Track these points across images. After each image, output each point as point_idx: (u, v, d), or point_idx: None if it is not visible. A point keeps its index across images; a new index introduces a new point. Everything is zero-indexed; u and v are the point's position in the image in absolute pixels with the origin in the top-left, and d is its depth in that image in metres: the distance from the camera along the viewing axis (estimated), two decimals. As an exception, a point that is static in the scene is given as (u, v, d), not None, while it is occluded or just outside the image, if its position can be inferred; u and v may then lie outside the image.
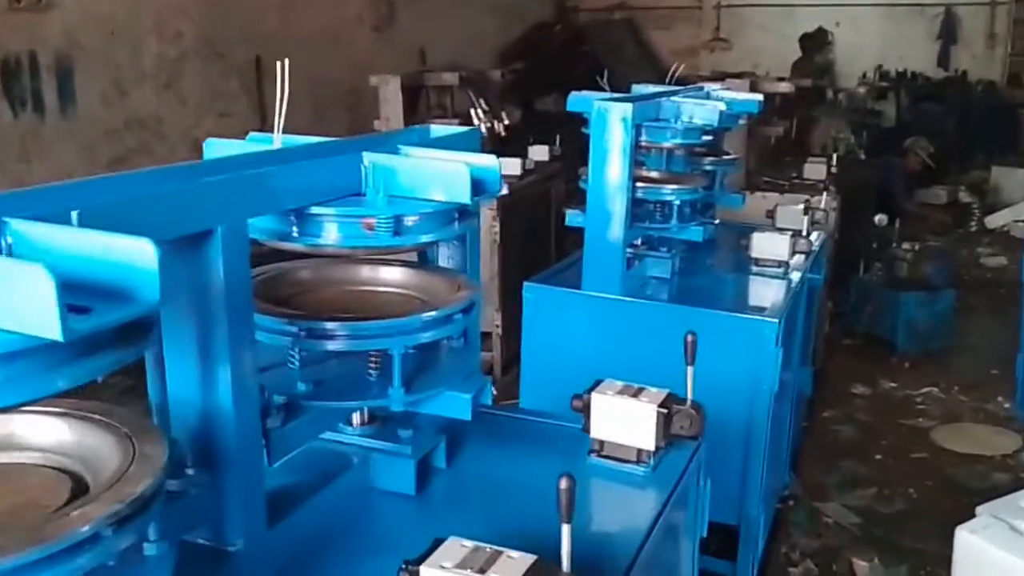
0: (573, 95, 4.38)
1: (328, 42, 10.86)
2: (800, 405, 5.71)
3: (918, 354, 7.86)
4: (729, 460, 3.96)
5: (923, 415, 6.76)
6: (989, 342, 8.29)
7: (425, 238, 2.08)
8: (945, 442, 6.29)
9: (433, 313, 2.04)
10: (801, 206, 5.27)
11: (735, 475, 3.97)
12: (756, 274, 4.70)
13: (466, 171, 2.03)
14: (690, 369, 2.44)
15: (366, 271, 2.32)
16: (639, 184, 4.21)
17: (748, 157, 7.39)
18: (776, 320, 3.88)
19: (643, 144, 4.31)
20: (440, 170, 2.08)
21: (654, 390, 2.43)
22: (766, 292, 4.48)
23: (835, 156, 8.47)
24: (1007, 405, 6.87)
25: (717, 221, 5.19)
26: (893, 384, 7.29)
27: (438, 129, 2.57)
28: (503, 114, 6.94)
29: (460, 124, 6.94)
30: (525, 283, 4.25)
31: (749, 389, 3.94)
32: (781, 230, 5.16)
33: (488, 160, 2.16)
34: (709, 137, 4.46)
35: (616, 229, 4.02)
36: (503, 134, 6.98)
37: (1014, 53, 17.47)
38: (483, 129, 6.79)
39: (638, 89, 5.05)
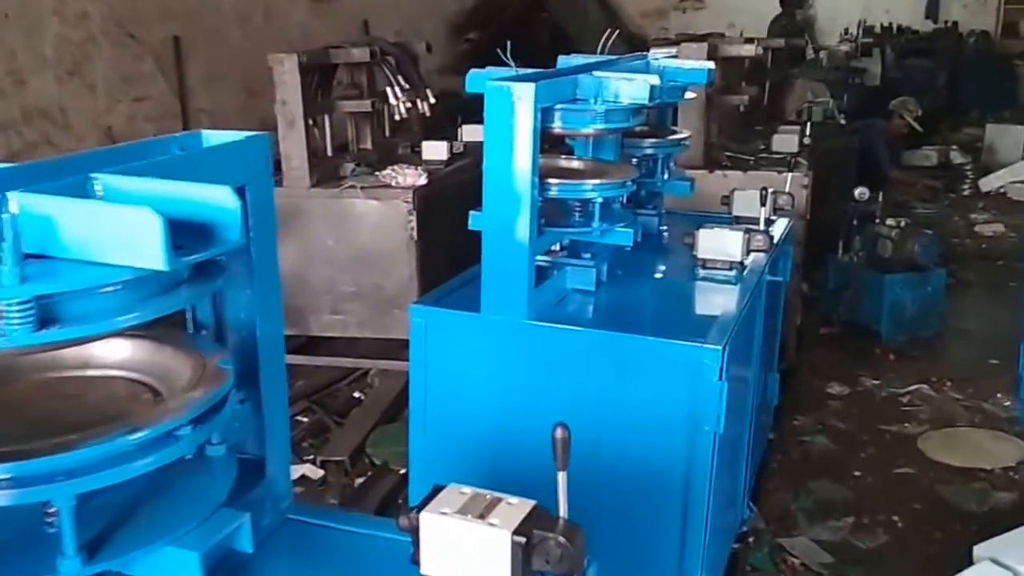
0: (472, 73, 3.68)
1: (258, 16, 10.10)
2: (764, 419, 5.05)
3: (904, 343, 7.23)
4: (663, 521, 3.31)
5: (910, 418, 6.09)
6: (986, 325, 7.66)
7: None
8: (936, 453, 5.62)
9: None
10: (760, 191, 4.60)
11: (671, 540, 3.30)
12: (704, 279, 4.09)
13: (156, 222, 1.40)
14: (562, 476, 1.68)
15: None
16: (551, 180, 3.51)
17: (709, 130, 6.69)
18: (718, 348, 3.20)
19: (557, 131, 3.60)
20: (116, 221, 1.44)
21: (514, 501, 1.68)
22: (713, 304, 3.86)
23: (809, 124, 7.73)
24: (1008, 403, 6.23)
25: (660, 213, 4.51)
26: (875, 381, 6.62)
27: (214, 135, 1.98)
28: (428, 92, 6.21)
29: (376, 104, 6.25)
30: (412, 305, 3.56)
31: (687, 432, 3.28)
32: (737, 220, 4.62)
33: (219, 195, 1.57)
34: (640, 118, 3.74)
35: (520, 236, 3.34)
36: (427, 114, 6.25)
37: (1008, 0, 16.69)
38: (402, 109, 6.07)
39: (566, 62, 4.35)
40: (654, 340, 3.32)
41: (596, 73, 3.63)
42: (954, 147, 13.55)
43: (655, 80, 3.71)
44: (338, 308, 6.00)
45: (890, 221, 7.41)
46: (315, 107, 6.11)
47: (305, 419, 5.74)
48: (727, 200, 4.86)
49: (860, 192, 7.49)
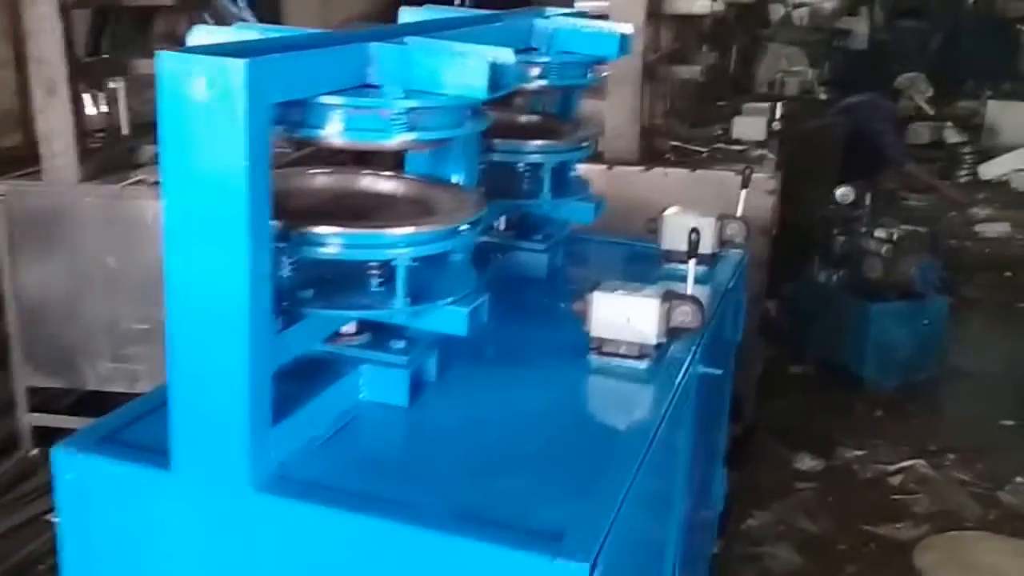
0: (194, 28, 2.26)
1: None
2: (701, 536, 3.72)
3: (894, 393, 5.99)
4: None
5: (903, 514, 4.77)
6: (994, 364, 6.41)
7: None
8: (937, 573, 4.21)
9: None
10: (699, 219, 3.34)
11: None
12: (598, 371, 2.73)
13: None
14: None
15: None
16: (315, 230, 2.11)
17: (649, 111, 5.26)
18: (584, 565, 1.76)
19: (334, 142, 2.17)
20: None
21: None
22: (605, 432, 2.53)
23: (782, 101, 6.30)
24: (1034, 492, 4.85)
25: (552, 246, 3.41)
26: (858, 452, 5.27)
27: None
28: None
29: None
30: (56, 449, 2.09)
31: None
32: (668, 256, 3.48)
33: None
34: (479, 119, 2.37)
35: (235, 334, 1.95)
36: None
37: (1015, -44, 15.30)
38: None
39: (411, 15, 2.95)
40: (462, 542, 1.88)
41: (385, 45, 2.16)
42: (948, 123, 12.15)
43: (507, 56, 2.26)
44: (122, 353, 4.48)
45: (880, 232, 6.05)
46: (98, 68, 4.60)
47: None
48: (653, 225, 3.52)
49: (843, 193, 6.10)
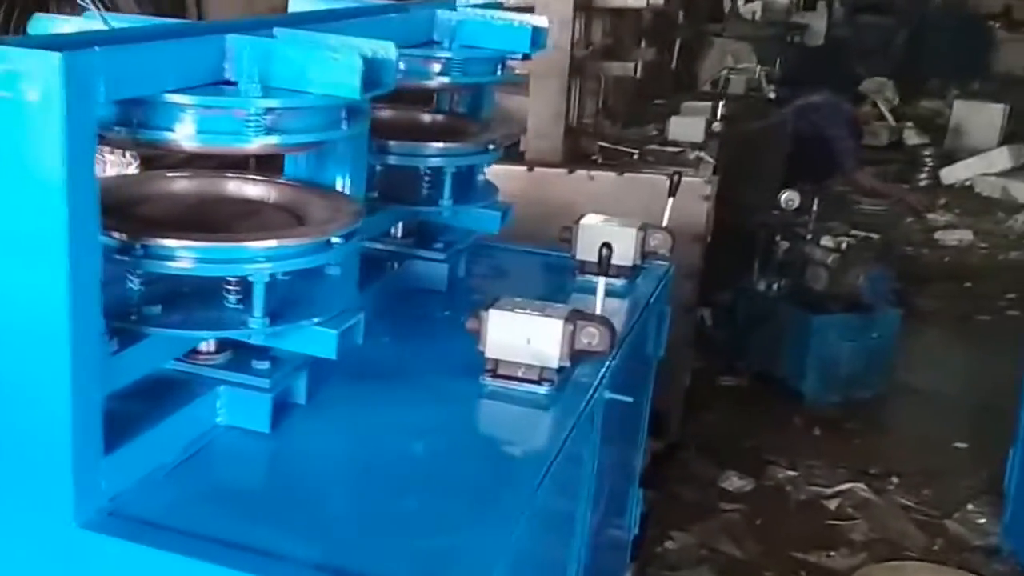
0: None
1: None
2: (616, 551, 3.72)
3: (835, 410, 5.93)
4: None
5: (838, 540, 4.70)
6: (948, 382, 6.32)
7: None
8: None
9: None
10: (618, 228, 3.33)
11: None
12: (492, 396, 2.60)
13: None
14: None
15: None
16: (157, 243, 1.99)
17: (578, 110, 5.16)
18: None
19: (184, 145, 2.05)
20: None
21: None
22: (498, 471, 2.35)
23: (724, 100, 6.22)
24: (982, 520, 4.75)
25: (452, 256, 3.26)
26: (791, 472, 5.19)
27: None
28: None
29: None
30: None
31: None
32: (583, 267, 3.35)
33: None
34: (357, 122, 2.27)
35: (55, 347, 1.82)
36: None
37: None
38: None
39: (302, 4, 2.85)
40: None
41: (243, 37, 2.04)
42: (909, 123, 12.14)
43: (386, 50, 2.15)
44: None
45: (826, 240, 5.96)
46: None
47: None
48: (568, 234, 3.40)
49: (788, 198, 6.00)
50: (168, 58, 1.95)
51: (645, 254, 3.38)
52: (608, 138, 5.53)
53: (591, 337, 2.56)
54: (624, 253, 3.32)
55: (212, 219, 2.26)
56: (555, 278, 3.35)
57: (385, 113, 3.36)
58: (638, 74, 5.96)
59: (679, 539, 4.57)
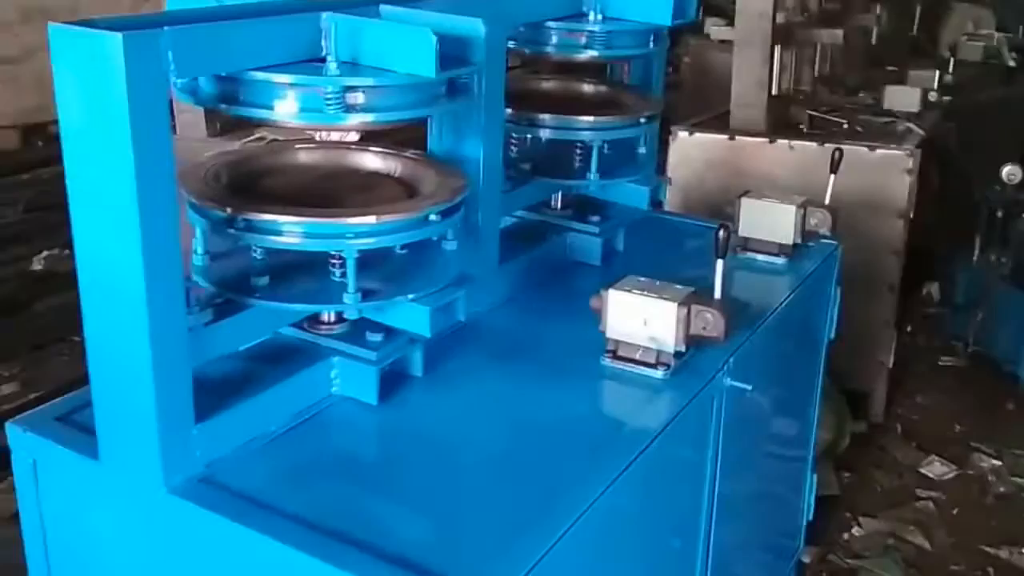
0: None
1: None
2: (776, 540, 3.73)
3: None
4: None
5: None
6: None
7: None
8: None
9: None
10: (778, 205, 3.30)
11: None
12: (612, 377, 2.59)
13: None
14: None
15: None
16: (257, 217, 2.07)
17: (794, 78, 5.06)
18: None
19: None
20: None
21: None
22: (590, 445, 2.34)
23: (953, 66, 5.97)
24: None
25: (608, 229, 3.24)
26: (996, 461, 4.94)
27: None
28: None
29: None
30: (9, 425, 2.18)
31: None
32: (746, 244, 3.37)
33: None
34: (434, 101, 2.28)
35: (135, 331, 1.93)
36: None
37: None
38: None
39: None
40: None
41: (326, 17, 2.09)
42: None
43: (473, 27, 2.20)
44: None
45: (1048, 215, 5.60)
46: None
47: None
48: (729, 210, 3.41)
49: (1009, 172, 5.67)
50: (247, 36, 2.02)
51: (806, 233, 3.27)
52: (824, 106, 5.37)
53: (705, 322, 2.53)
54: (784, 231, 3.26)
55: (325, 192, 2.35)
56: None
57: (547, 84, 3.38)
58: (874, 38, 5.82)
59: (867, 525, 4.44)
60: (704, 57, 7.01)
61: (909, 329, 6.02)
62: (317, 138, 2.51)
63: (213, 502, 1.97)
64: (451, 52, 2.18)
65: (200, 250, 2.20)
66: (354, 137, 2.56)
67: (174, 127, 4.75)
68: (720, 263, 2.61)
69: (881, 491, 4.70)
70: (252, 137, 4.74)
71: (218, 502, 1.97)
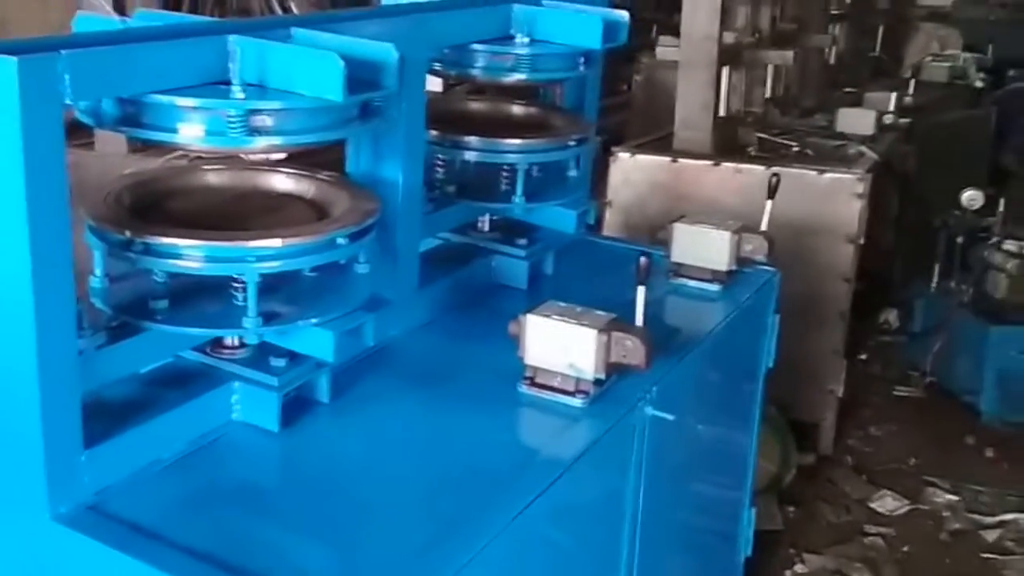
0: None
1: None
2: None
3: (1013, 432, 5.58)
4: None
5: (989, 576, 4.44)
6: None
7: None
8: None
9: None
10: (712, 231, 3.34)
11: None
12: (523, 404, 2.62)
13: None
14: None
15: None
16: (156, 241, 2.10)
17: (744, 99, 5.14)
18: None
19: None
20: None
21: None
22: (496, 476, 2.39)
23: (911, 86, 6.08)
24: None
25: (534, 252, 3.30)
26: (952, 496, 4.99)
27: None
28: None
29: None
30: None
31: None
32: (678, 270, 3.41)
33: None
34: (345, 123, 2.32)
35: (24, 341, 1.94)
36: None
37: None
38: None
39: None
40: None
41: (232, 39, 2.13)
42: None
43: (384, 52, 2.23)
44: None
45: (1010, 245, 5.69)
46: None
47: None
48: (664, 233, 3.43)
49: (969, 197, 5.78)
50: (149, 59, 2.06)
51: (742, 260, 3.33)
52: (775, 128, 5.45)
53: (626, 350, 2.56)
54: (718, 257, 3.31)
55: (232, 214, 2.38)
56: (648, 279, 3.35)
57: (477, 105, 3.44)
58: (831, 56, 5.93)
59: (811, 562, 4.47)
60: (655, 76, 7.07)
61: (864, 357, 6.11)
62: (241, 158, 2.55)
63: (100, 531, 1.98)
64: (363, 76, 2.23)
65: (99, 272, 2.24)
66: (280, 157, 2.59)
67: (93, 143, 4.84)
68: (642, 290, 2.66)
69: (827, 526, 4.74)
70: (173, 155, 4.76)
71: (105, 531, 1.98)
